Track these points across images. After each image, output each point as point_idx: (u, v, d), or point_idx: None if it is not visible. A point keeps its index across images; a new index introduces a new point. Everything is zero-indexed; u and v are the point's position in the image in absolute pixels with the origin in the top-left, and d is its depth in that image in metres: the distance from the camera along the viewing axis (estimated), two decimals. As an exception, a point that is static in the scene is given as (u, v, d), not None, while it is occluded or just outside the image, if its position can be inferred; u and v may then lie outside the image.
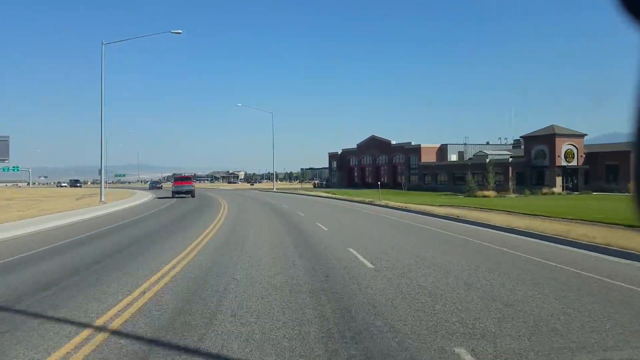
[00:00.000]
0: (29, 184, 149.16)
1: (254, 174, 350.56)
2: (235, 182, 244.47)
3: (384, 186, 77.93)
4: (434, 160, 68.82)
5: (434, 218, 21.84)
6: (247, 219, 21.86)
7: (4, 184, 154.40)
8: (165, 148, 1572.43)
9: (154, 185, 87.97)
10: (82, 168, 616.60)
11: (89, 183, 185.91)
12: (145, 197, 45.10)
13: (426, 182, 66.83)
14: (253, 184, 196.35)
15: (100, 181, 37.28)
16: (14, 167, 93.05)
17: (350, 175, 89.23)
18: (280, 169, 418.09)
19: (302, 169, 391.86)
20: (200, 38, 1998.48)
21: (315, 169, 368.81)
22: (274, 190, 70.14)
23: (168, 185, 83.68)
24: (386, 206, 29.98)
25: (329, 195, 48.15)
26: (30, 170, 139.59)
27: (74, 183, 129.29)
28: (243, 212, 26.04)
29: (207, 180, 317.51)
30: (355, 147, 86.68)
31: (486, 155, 62.73)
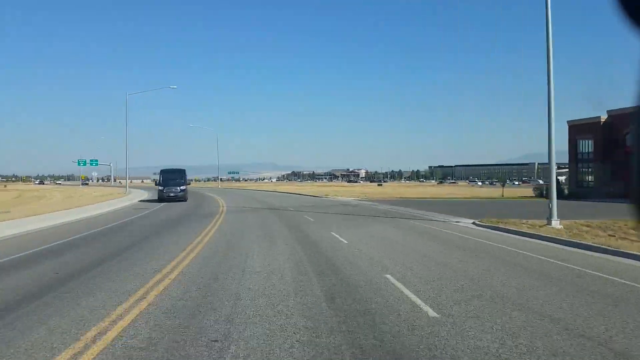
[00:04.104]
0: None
1: (375, 172, 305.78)
2: (355, 182, 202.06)
3: None
4: None
5: None
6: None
7: (66, 183, 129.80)
8: (291, 146, 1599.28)
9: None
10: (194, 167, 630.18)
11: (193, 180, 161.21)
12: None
13: None
14: (381, 184, 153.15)
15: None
16: (91, 160, 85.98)
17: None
18: (406, 167, 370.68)
19: (430, 166, 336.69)
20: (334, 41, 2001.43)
21: (446, 166, 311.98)
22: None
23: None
24: None
25: None
26: (111, 165, 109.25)
27: None
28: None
29: (325, 179, 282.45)
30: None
31: None
